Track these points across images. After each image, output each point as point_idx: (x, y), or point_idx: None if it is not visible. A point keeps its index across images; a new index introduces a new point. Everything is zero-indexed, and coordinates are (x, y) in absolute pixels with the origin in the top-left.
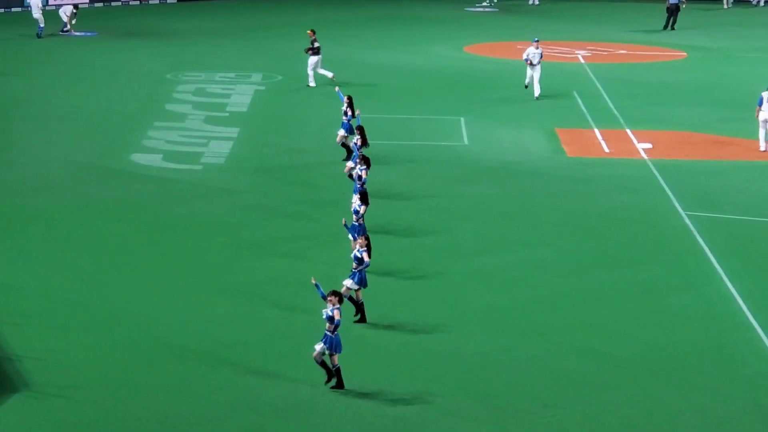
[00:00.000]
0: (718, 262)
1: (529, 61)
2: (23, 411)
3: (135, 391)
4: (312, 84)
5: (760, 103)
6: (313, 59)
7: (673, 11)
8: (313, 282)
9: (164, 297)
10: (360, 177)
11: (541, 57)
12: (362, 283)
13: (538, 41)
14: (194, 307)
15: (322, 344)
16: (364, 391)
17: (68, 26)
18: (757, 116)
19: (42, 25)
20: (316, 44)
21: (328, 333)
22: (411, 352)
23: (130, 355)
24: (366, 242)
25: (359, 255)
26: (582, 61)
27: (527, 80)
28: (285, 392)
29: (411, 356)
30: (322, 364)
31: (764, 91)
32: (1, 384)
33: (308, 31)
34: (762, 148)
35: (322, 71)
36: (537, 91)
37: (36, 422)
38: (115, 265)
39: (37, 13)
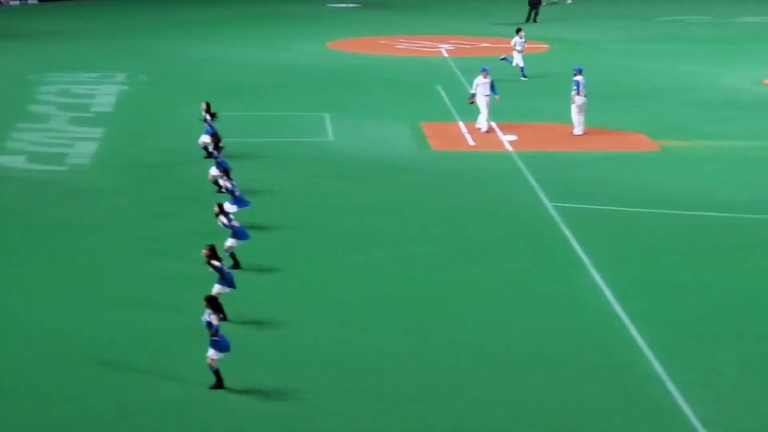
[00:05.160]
0: (584, 252)
1: (472, 99)
2: None
3: (5, 395)
4: None
5: (577, 88)
6: None
7: (534, 4)
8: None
9: (32, 299)
10: (227, 188)
11: (493, 86)
12: (230, 284)
13: (486, 70)
14: (64, 309)
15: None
16: (234, 389)
17: None
18: (574, 101)
19: None
20: None
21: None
22: (280, 349)
23: (7, 361)
24: (210, 252)
25: (211, 264)
26: (445, 54)
27: (479, 121)
28: (155, 391)
29: (281, 353)
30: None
31: (577, 76)
32: None
33: None
34: (579, 132)
35: None
36: (483, 126)
37: None
38: None
39: None
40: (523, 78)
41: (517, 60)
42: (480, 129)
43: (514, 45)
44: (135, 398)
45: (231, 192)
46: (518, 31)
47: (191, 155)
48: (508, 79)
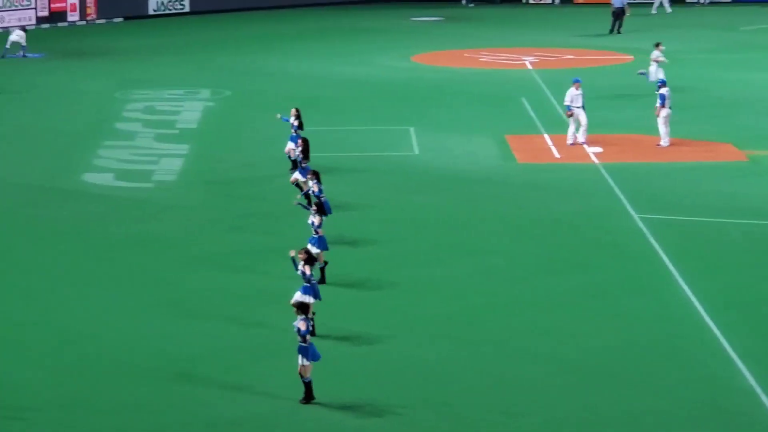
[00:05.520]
0: (672, 264)
1: (570, 112)
2: None
3: (92, 410)
4: None
5: (662, 101)
6: None
7: (618, 15)
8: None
9: (118, 315)
10: (314, 192)
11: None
12: (316, 295)
13: (579, 81)
14: (149, 325)
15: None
16: (323, 403)
17: (26, 48)
18: (658, 114)
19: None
20: None
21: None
22: (368, 363)
23: (85, 374)
24: (306, 255)
25: (303, 269)
26: (529, 67)
27: (570, 136)
28: (244, 407)
29: (368, 367)
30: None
31: (662, 89)
32: None
33: None
34: (665, 143)
35: None
36: (583, 138)
37: None
38: (68, 285)
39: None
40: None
41: (658, 73)
42: (579, 141)
43: (655, 58)
44: (224, 413)
45: (318, 198)
46: (657, 45)
47: (275, 170)
48: (587, 90)
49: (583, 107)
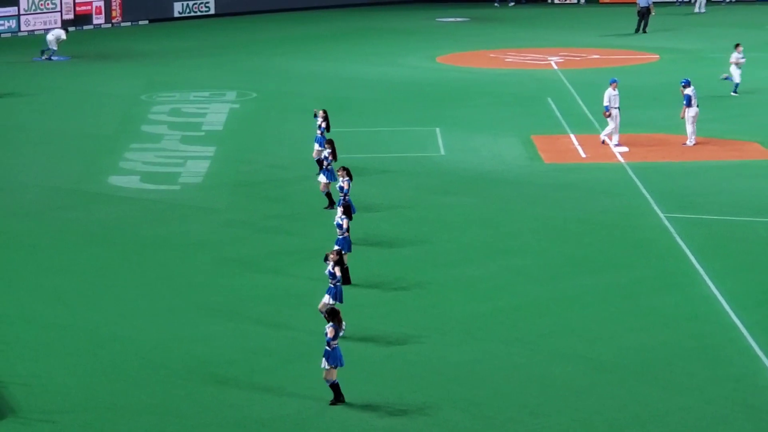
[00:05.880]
0: (699, 262)
1: (608, 113)
2: None
3: (122, 413)
4: None
5: (688, 102)
6: None
7: (643, 14)
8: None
9: (146, 317)
10: (342, 188)
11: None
12: (338, 297)
13: (616, 81)
14: (177, 327)
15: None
16: (351, 404)
17: (53, 51)
18: (683, 115)
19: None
20: None
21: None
22: (396, 363)
23: (115, 377)
24: (338, 257)
25: (332, 270)
26: (555, 67)
27: (604, 134)
28: (272, 408)
29: (396, 368)
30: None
31: (687, 89)
32: None
33: None
34: (691, 143)
35: None
36: (616, 139)
37: None
38: (96, 288)
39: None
40: (733, 93)
41: (736, 74)
42: (612, 143)
43: (735, 60)
44: (252, 414)
45: (344, 197)
46: (737, 46)
47: (301, 171)
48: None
49: (618, 108)
